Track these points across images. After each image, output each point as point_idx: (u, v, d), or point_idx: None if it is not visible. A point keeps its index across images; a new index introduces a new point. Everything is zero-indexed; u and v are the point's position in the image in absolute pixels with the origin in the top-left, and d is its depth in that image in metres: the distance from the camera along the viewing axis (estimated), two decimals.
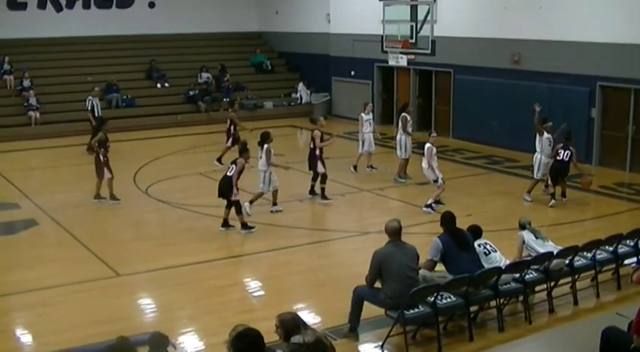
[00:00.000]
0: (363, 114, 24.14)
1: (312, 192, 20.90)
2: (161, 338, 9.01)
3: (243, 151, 17.86)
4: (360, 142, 24.09)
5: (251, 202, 18.61)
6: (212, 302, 13.61)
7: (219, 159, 24.76)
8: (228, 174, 17.48)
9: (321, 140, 20.64)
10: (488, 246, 12.89)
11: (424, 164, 19.42)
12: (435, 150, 19.56)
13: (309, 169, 20.70)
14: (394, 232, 11.76)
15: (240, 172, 17.45)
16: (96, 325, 12.33)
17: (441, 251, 12.28)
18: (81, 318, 12.80)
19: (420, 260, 11.95)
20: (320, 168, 20.38)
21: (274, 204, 19.52)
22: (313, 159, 20.49)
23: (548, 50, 26.00)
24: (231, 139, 25.21)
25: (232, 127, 25.49)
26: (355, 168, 23.89)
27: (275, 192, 19.40)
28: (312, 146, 20.68)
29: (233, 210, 17.51)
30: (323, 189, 20.53)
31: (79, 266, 15.60)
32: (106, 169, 20.17)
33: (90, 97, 28.13)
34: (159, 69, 36.79)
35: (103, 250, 16.49)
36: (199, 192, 21.28)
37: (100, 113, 27.64)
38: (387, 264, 11.42)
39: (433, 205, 19.17)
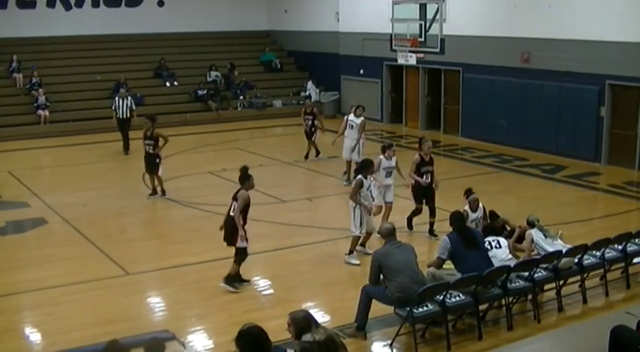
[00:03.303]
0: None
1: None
2: (157, 344, 9.01)
3: (245, 179, 14.19)
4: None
5: (350, 252, 15.64)
6: (221, 300, 13.61)
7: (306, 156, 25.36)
8: (231, 213, 14.09)
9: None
10: (494, 243, 12.92)
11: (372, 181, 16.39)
12: (386, 163, 17.29)
13: None
14: (389, 233, 12.05)
15: (246, 208, 14.04)
16: (104, 324, 12.35)
17: (449, 249, 12.33)
18: (90, 318, 12.82)
19: (428, 258, 12.00)
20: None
21: (362, 245, 16.07)
22: None
23: (557, 49, 25.95)
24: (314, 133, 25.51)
25: (313, 121, 25.51)
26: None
27: (368, 235, 16.06)
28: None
29: None
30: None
31: (88, 265, 15.64)
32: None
33: (116, 98, 28.22)
34: (168, 68, 36.84)
35: (112, 249, 16.52)
36: (208, 191, 21.31)
37: (123, 114, 27.64)
38: (387, 262, 11.58)
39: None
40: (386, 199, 17.16)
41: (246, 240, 13.96)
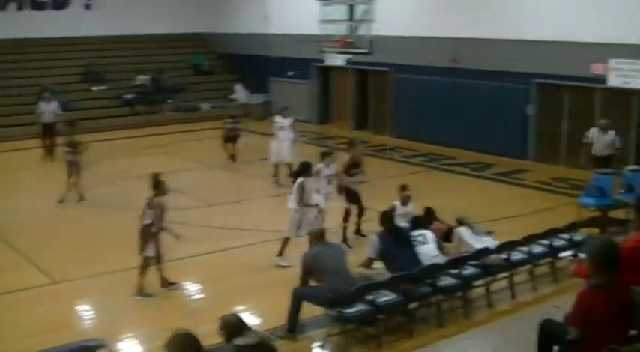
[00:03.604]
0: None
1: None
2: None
3: (158, 186, 13.89)
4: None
5: (280, 254, 15.53)
6: (152, 306, 13.51)
7: None
8: (145, 222, 13.83)
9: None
10: (420, 238, 13.00)
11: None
12: (326, 170, 16.94)
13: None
14: (319, 235, 12.07)
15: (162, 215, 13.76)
16: (32, 335, 12.08)
17: (379, 249, 12.37)
18: (17, 329, 12.55)
19: (360, 258, 12.03)
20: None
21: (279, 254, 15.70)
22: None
23: (485, 48, 26.22)
24: None
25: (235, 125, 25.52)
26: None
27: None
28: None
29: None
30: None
31: (14, 274, 15.30)
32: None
33: (41, 103, 27.46)
34: (96, 72, 36.33)
35: (39, 257, 16.21)
36: (138, 197, 21.03)
37: (49, 119, 26.93)
38: (318, 264, 11.61)
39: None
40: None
41: (156, 249, 13.90)
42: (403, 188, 15.61)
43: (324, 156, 17.24)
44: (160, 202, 13.71)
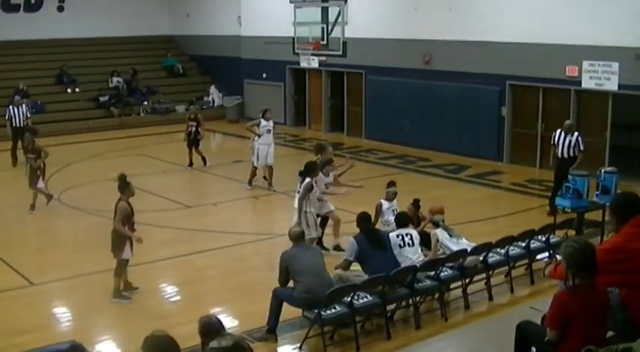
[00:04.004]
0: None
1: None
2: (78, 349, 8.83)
3: (124, 188, 13.80)
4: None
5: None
6: (128, 308, 13.43)
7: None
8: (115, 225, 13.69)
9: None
10: (407, 239, 12.95)
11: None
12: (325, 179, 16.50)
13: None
14: (297, 237, 12.05)
15: (127, 218, 13.70)
16: (8, 337, 12.03)
17: (356, 251, 12.38)
18: None
19: (337, 260, 12.04)
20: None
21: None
22: None
23: (458, 50, 26.30)
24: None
25: (197, 128, 24.95)
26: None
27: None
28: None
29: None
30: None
31: None
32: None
33: (10, 107, 26.95)
34: (69, 74, 36.15)
35: (15, 259, 16.08)
36: (112, 198, 20.93)
37: (19, 122, 26.32)
38: (294, 264, 11.61)
39: None
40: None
41: (131, 250, 13.74)
42: (390, 184, 15.67)
43: (318, 150, 17.32)
44: (121, 207, 13.54)
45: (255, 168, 22.18)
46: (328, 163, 16.75)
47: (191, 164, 25.19)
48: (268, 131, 22.07)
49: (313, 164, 15.95)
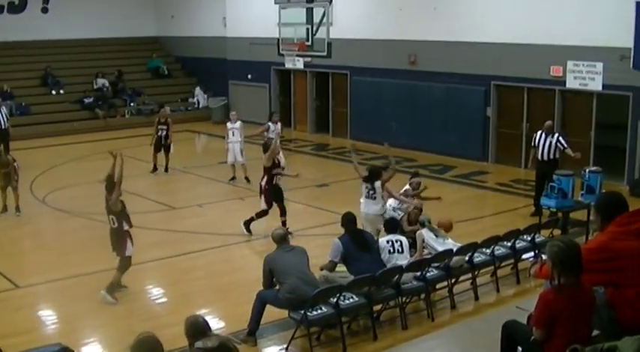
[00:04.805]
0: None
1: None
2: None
3: (111, 188, 13.94)
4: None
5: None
6: (115, 310, 13.39)
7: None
8: (113, 225, 13.93)
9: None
10: (397, 245, 12.96)
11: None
12: None
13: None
14: (281, 238, 12.06)
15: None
16: None
17: (341, 252, 12.39)
18: None
19: (322, 261, 12.04)
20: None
21: None
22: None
23: (443, 51, 26.36)
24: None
25: (167, 132, 24.71)
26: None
27: None
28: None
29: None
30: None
31: None
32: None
33: None
34: (54, 75, 36.01)
35: (1, 262, 16.04)
36: (98, 200, 20.81)
37: (1, 124, 26.07)
38: (278, 265, 11.63)
39: None
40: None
41: (132, 246, 13.93)
42: (414, 175, 16.63)
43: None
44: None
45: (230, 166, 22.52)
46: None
47: (155, 169, 24.87)
48: (277, 134, 21.96)
49: (378, 169, 16.30)
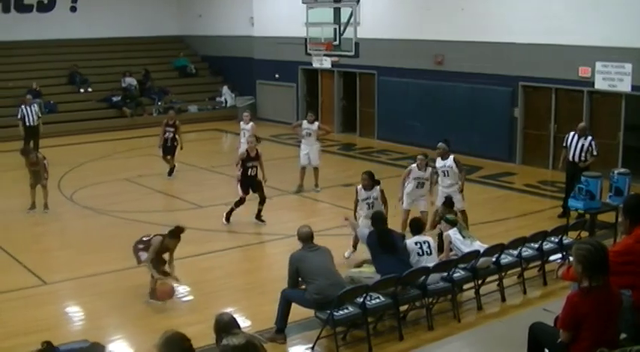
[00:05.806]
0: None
1: None
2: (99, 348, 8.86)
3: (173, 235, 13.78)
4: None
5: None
6: (139, 308, 13.45)
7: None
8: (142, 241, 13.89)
9: None
10: (425, 247, 12.91)
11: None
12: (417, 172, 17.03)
13: None
14: (306, 237, 12.05)
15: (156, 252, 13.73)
16: (21, 335, 12.05)
17: (366, 242, 12.69)
18: (6, 328, 12.53)
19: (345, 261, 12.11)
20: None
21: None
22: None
23: (470, 51, 26.28)
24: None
25: (174, 134, 24.14)
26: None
27: None
28: None
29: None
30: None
31: (4, 275, 15.26)
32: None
33: (22, 106, 26.79)
34: (81, 74, 36.21)
35: (28, 258, 16.14)
36: (125, 198, 21.06)
37: (32, 122, 26.42)
38: (304, 265, 11.62)
39: None
40: (420, 208, 16.91)
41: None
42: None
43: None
44: (157, 240, 13.69)
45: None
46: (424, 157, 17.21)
47: (172, 171, 24.22)
48: (308, 134, 22.26)
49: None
